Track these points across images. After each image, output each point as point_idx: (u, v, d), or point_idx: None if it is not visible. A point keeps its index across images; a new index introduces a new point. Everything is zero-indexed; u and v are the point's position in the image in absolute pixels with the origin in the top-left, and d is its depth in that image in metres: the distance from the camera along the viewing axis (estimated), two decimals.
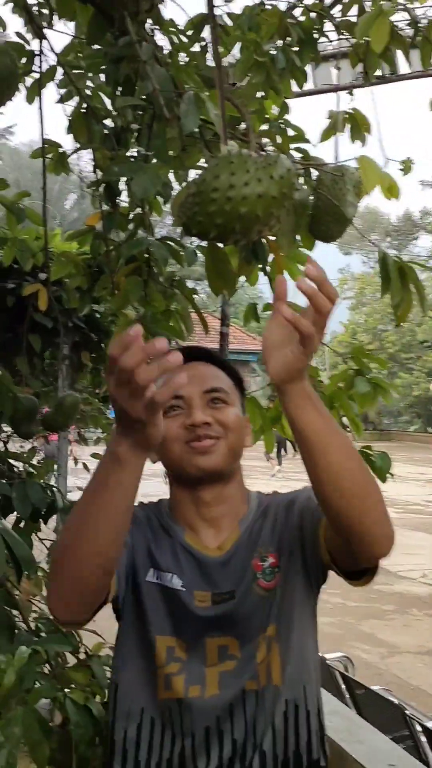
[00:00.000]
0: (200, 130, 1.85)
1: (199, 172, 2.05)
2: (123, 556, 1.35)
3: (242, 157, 0.89)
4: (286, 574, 1.37)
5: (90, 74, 2.70)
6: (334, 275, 37.82)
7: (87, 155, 2.83)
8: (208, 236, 1.01)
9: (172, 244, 1.93)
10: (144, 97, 1.84)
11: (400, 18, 2.36)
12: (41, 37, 2.36)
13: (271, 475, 16.38)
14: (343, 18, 2.47)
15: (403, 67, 2.90)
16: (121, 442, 1.05)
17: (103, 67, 2.51)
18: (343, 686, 3.46)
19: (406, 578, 8.86)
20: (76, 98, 2.77)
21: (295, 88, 2.80)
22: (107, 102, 2.75)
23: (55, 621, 1.21)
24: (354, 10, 2.63)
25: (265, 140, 2.12)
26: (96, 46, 2.23)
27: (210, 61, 2.73)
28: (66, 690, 1.69)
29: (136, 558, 1.39)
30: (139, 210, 2.53)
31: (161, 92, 1.63)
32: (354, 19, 2.59)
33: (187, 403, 1.37)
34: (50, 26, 2.29)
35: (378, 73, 2.67)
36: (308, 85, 3.00)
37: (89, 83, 2.78)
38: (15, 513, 2.49)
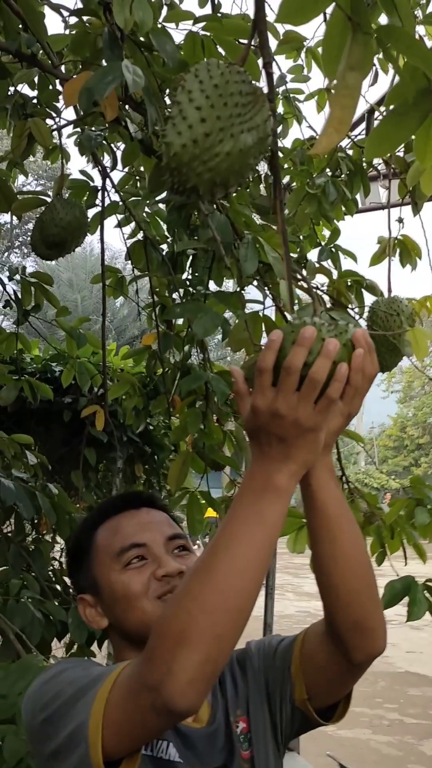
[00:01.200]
0: (258, 269, 1.92)
1: (255, 306, 2.13)
2: None
3: (317, 325, 0.95)
4: (257, 738, 1.22)
5: (147, 202, 2.86)
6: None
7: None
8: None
9: (229, 377, 1.97)
10: (204, 241, 1.93)
11: None
12: (105, 175, 2.52)
13: None
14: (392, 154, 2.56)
15: None
16: (280, 468, 0.93)
17: (160, 196, 2.64)
18: None
19: None
20: (133, 224, 2.92)
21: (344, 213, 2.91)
22: (164, 227, 2.89)
23: (174, 715, 0.92)
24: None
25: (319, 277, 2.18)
26: None
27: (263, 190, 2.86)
28: None
29: None
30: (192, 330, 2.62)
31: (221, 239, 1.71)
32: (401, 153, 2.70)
33: (152, 551, 1.21)
34: (113, 168, 2.43)
35: None
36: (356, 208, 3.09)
37: (146, 210, 2.93)
38: (69, 636, 2.48)
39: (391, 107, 0.98)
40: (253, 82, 0.98)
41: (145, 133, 1.85)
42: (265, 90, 1.02)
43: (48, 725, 1.03)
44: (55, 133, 2.19)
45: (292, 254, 2.26)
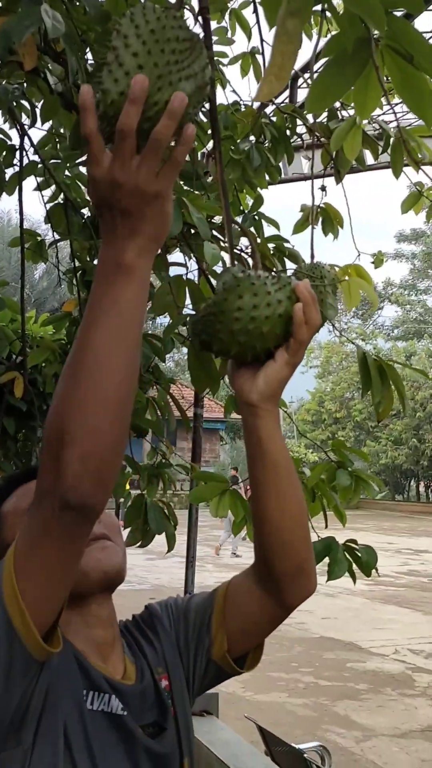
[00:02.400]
0: (182, 231, 1.89)
1: (179, 269, 2.11)
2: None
3: (261, 278, 0.95)
4: (177, 695, 1.24)
5: (67, 165, 2.78)
6: None
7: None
8: (229, 354, 1.04)
9: (153, 341, 1.95)
10: None
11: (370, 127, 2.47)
12: (23, 133, 2.43)
13: (232, 552, 16.22)
14: (316, 121, 2.56)
15: (370, 159, 3.02)
16: (127, 245, 0.86)
17: (80, 159, 2.58)
18: None
19: (379, 655, 8.73)
20: (53, 187, 2.84)
21: (267, 180, 2.91)
22: (84, 191, 2.82)
23: (73, 507, 0.89)
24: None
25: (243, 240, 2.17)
26: None
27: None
28: None
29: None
30: None
31: None
32: (324, 119, 2.71)
33: None
34: (32, 125, 2.35)
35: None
36: (280, 176, 3.10)
37: (67, 173, 2.86)
38: None
39: (330, 59, 0.97)
40: (190, 27, 0.96)
41: (65, 86, 1.78)
42: (202, 37, 1.00)
43: None
44: None
45: (215, 220, 2.24)
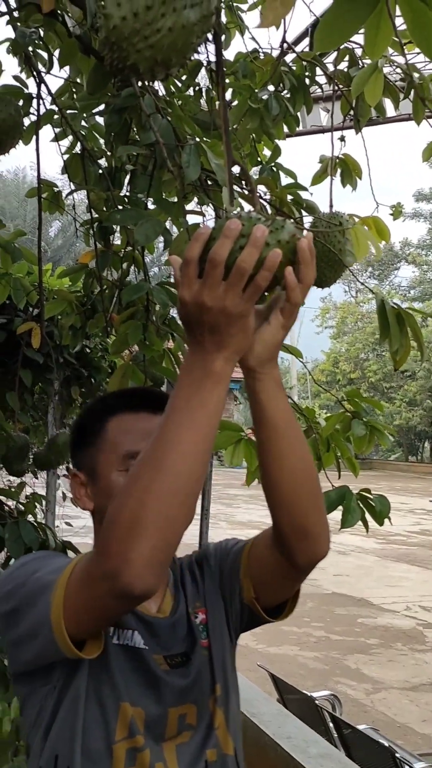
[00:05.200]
0: (200, 178, 1.88)
1: (195, 218, 2.10)
2: None
3: (252, 219, 0.93)
4: (213, 629, 1.31)
5: (84, 115, 2.75)
6: (316, 304, 38.14)
7: (79, 192, 2.87)
8: None
9: (171, 288, 1.95)
10: (145, 145, 1.87)
11: (390, 70, 2.43)
12: (40, 81, 2.40)
13: None
14: (336, 68, 2.51)
15: (390, 110, 2.97)
16: (215, 357, 0.95)
17: (97, 109, 2.55)
18: (331, 725, 3.44)
19: (390, 611, 8.84)
20: (70, 137, 2.81)
21: (286, 131, 2.86)
22: (101, 142, 2.79)
23: (132, 599, 0.96)
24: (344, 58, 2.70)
25: (261, 188, 2.15)
26: None
27: (204, 106, 2.79)
28: None
29: None
30: (130, 249, 2.56)
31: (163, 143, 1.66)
32: (344, 68, 2.66)
33: None
34: (49, 71, 2.32)
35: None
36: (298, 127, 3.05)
37: (84, 123, 2.83)
38: (5, 552, 2.47)
39: None
40: None
41: (84, 29, 1.76)
42: None
43: (12, 615, 1.11)
44: None
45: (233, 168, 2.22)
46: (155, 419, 1.24)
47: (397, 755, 2.88)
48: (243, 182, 1.91)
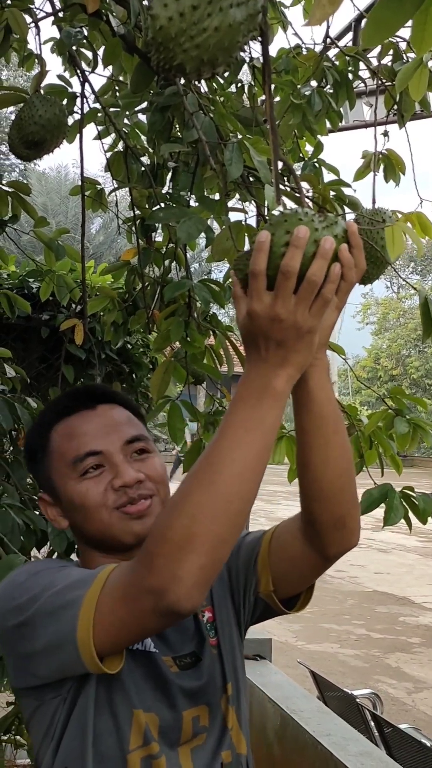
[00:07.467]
0: (242, 175, 1.88)
1: (238, 215, 2.10)
2: None
3: (308, 215, 0.93)
4: (221, 626, 1.28)
5: (127, 113, 2.77)
6: (357, 300, 37.81)
7: (122, 190, 2.90)
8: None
9: (212, 285, 1.96)
10: (188, 143, 1.88)
11: None
12: (84, 80, 2.42)
13: None
14: (380, 63, 2.49)
15: None
16: (278, 374, 0.94)
17: (140, 107, 2.57)
18: (372, 724, 3.42)
19: None
20: (113, 135, 2.84)
21: (328, 126, 2.85)
22: (144, 139, 2.81)
23: (177, 616, 0.95)
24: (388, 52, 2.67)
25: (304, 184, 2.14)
26: None
27: (246, 102, 2.79)
28: None
29: None
30: (172, 245, 2.57)
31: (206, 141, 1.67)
32: (388, 62, 2.63)
33: (109, 459, 1.18)
34: (93, 70, 2.34)
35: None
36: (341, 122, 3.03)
37: (126, 121, 2.85)
38: (48, 546, 2.51)
39: None
40: None
41: (127, 28, 1.78)
42: None
43: (24, 628, 1.06)
44: (31, 38, 2.10)
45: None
46: (96, 412, 1.22)
47: None
48: (286, 179, 1.91)
